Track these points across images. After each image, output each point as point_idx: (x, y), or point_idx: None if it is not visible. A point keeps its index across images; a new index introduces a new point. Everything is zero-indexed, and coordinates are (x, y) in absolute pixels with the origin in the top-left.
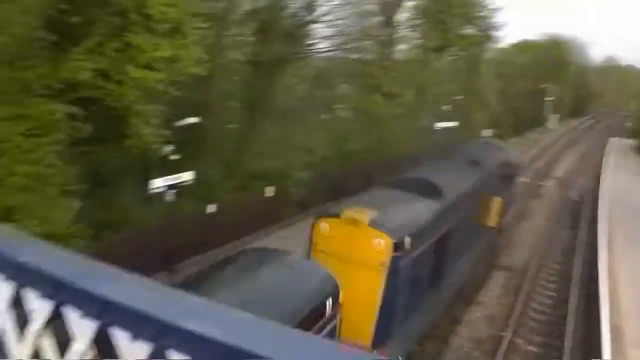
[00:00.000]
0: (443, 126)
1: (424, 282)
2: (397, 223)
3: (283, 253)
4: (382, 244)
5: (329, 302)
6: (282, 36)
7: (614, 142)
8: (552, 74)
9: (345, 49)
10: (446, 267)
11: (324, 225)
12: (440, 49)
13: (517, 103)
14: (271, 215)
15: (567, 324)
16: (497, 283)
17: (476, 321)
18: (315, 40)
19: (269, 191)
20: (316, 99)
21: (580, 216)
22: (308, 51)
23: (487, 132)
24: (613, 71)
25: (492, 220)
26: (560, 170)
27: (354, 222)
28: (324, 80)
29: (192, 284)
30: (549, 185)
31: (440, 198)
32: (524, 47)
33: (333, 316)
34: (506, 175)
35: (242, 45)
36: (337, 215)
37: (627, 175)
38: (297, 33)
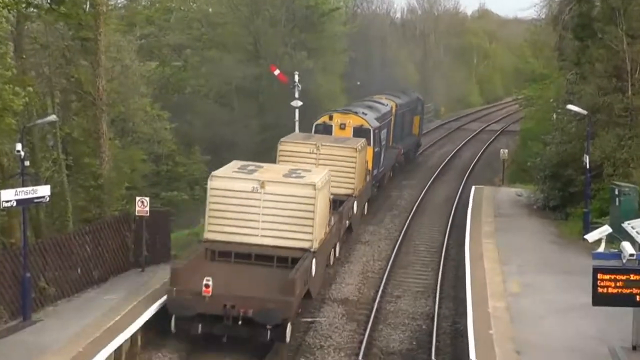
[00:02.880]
0: None
1: (403, 129)
2: (393, 99)
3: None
4: (392, 105)
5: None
6: None
7: (482, 196)
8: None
9: None
10: (406, 127)
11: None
12: None
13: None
14: None
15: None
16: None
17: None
18: None
19: None
20: None
21: None
22: None
23: None
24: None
25: (415, 129)
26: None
27: (381, 98)
28: None
29: None
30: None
31: (401, 98)
32: None
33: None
34: (419, 105)
35: None
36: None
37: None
38: None
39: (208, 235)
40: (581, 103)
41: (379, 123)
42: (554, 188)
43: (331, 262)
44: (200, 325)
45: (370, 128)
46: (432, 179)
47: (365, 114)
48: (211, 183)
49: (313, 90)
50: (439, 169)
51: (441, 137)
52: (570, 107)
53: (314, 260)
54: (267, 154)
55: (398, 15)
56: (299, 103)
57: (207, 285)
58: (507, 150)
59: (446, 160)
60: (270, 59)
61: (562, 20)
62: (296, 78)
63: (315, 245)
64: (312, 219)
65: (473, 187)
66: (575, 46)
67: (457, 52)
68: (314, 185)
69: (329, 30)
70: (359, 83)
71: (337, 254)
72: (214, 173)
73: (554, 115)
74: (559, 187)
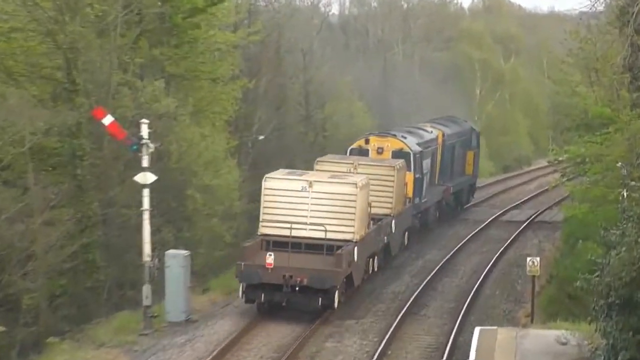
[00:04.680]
0: None
1: (452, 164)
2: (440, 127)
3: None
4: (438, 133)
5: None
6: None
7: (495, 346)
8: None
9: None
10: (457, 163)
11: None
12: None
13: None
14: None
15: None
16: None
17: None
18: None
19: None
20: None
21: None
22: None
23: None
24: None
25: (469, 168)
26: None
27: (424, 125)
28: None
29: None
30: None
31: (449, 127)
32: None
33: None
34: (473, 138)
35: None
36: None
37: None
38: None
39: (262, 230)
40: None
41: (420, 148)
42: (625, 327)
43: (370, 271)
44: (263, 294)
45: (410, 152)
46: (400, 315)
47: (405, 138)
48: (265, 184)
49: (178, 152)
50: (414, 296)
51: (421, 236)
52: None
53: (356, 248)
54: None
55: (334, 10)
56: (150, 178)
57: (269, 259)
58: (538, 260)
59: (428, 278)
60: (95, 96)
61: (634, 17)
62: (144, 131)
63: (357, 237)
64: (354, 213)
65: (477, 330)
66: None
67: (447, 76)
68: (356, 184)
69: (206, 40)
70: (261, 137)
71: (375, 268)
72: (267, 175)
73: (624, 192)
74: (634, 326)
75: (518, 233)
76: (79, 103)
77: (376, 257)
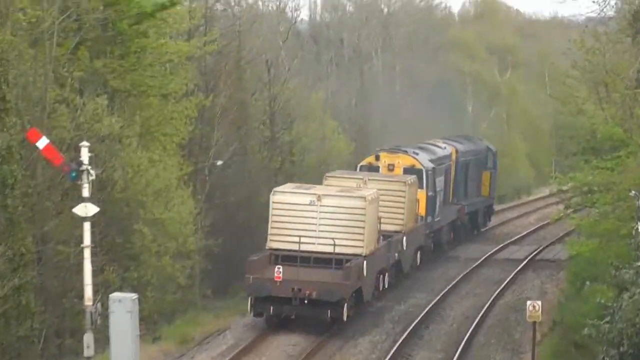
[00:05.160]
0: None
1: (467, 184)
2: (453, 144)
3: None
4: (451, 150)
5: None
6: None
7: None
8: None
9: None
10: (472, 183)
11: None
12: None
13: None
14: None
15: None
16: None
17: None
18: None
19: None
20: None
21: None
22: None
23: None
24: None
25: (485, 189)
26: None
27: (437, 141)
28: None
29: None
30: None
31: (463, 144)
32: None
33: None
34: (489, 157)
35: None
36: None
37: None
38: None
39: (271, 244)
40: None
41: (433, 165)
42: None
43: (380, 287)
44: (272, 307)
45: (422, 168)
46: None
47: (417, 154)
48: (273, 197)
49: (123, 179)
50: (395, 348)
51: (404, 277)
52: None
53: (365, 262)
54: None
55: (303, 15)
56: (92, 210)
57: (278, 272)
58: (540, 303)
59: (413, 325)
60: (29, 115)
61: None
62: (84, 155)
63: (366, 251)
64: (363, 227)
65: None
66: None
67: (433, 91)
68: (365, 198)
69: (155, 50)
70: (219, 162)
71: (386, 284)
72: (275, 189)
73: (638, 226)
74: None
75: (516, 273)
76: (10, 123)
77: (387, 274)
